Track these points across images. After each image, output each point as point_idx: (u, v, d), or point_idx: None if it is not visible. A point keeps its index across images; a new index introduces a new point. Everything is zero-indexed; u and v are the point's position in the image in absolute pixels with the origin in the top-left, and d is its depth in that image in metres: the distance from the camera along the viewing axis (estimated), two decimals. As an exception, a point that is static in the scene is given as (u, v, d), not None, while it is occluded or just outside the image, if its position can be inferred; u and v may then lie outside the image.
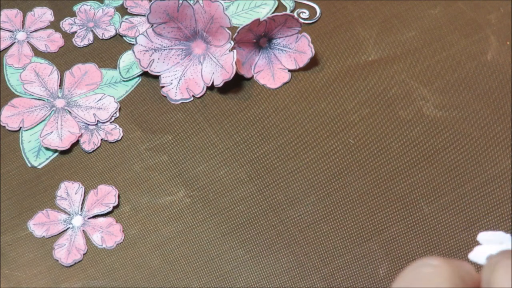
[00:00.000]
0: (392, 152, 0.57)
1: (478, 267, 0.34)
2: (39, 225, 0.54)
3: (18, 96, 0.61)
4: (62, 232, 0.54)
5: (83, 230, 0.53)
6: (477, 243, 0.52)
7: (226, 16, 0.58)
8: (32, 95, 0.60)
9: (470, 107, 0.59)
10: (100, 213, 0.54)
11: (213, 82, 0.60)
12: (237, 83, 0.61)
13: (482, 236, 0.36)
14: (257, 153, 0.57)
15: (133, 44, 0.62)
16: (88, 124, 0.59)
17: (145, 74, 0.62)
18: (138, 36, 0.61)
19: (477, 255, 0.35)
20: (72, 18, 0.66)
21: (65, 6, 0.67)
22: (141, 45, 0.61)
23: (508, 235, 0.35)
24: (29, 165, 0.57)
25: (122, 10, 0.66)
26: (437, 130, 0.58)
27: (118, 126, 0.59)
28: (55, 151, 0.58)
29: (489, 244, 0.35)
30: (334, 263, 0.52)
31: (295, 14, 0.65)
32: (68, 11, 0.66)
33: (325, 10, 0.66)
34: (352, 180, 0.56)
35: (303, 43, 0.62)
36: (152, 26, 0.61)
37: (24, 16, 0.66)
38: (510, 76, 0.61)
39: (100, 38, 0.65)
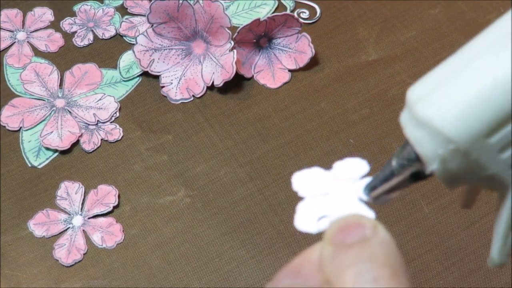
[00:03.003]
0: (392, 152, 0.57)
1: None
2: (39, 225, 0.54)
3: (18, 96, 0.61)
4: (62, 232, 0.54)
5: (83, 230, 0.53)
6: (476, 242, 0.52)
7: (226, 16, 0.58)
8: (32, 95, 0.60)
9: (470, 107, 0.59)
10: (100, 213, 0.54)
11: (213, 82, 0.60)
12: (237, 83, 0.61)
13: (298, 181, 0.29)
14: (257, 153, 0.57)
15: (133, 44, 0.62)
16: (88, 124, 0.59)
17: (145, 74, 0.62)
18: (138, 36, 0.61)
19: (304, 218, 0.29)
20: (72, 18, 0.66)
21: (65, 6, 0.67)
22: (141, 45, 0.61)
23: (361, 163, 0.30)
24: (29, 165, 0.57)
25: (122, 10, 0.66)
26: (437, 130, 0.58)
27: (118, 126, 0.59)
28: (55, 151, 0.58)
29: (310, 193, 0.29)
30: (334, 263, 0.52)
31: (295, 14, 0.65)
32: (68, 11, 0.66)
33: (325, 10, 0.66)
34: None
35: (303, 43, 0.62)
36: (152, 26, 0.61)
37: (24, 16, 0.66)
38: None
39: (100, 38, 0.65)
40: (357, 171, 0.30)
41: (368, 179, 0.30)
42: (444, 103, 0.25)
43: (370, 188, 0.30)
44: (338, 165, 0.31)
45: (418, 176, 0.28)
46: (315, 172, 0.31)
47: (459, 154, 0.25)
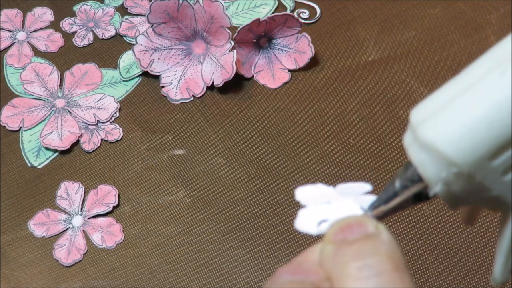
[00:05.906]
0: (392, 152, 0.57)
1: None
2: (39, 225, 0.54)
3: (18, 96, 0.61)
4: (62, 232, 0.54)
5: (83, 230, 0.53)
6: (476, 242, 0.52)
7: (226, 16, 0.58)
8: (32, 95, 0.60)
9: (470, 107, 0.59)
10: (100, 213, 0.54)
11: (213, 82, 0.60)
12: (237, 83, 0.61)
13: (301, 193, 0.30)
14: (257, 153, 0.57)
15: (133, 44, 0.62)
16: (88, 124, 0.59)
17: (145, 74, 0.62)
18: (138, 36, 0.61)
19: (304, 221, 0.29)
20: (72, 18, 0.66)
21: (65, 6, 0.67)
22: (141, 45, 0.61)
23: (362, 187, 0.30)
24: (29, 165, 0.57)
25: (122, 10, 0.66)
26: (437, 130, 0.58)
27: (118, 126, 0.59)
28: (55, 151, 0.58)
29: (312, 202, 0.30)
30: (334, 263, 0.52)
31: (295, 14, 0.65)
32: (68, 11, 0.66)
33: (325, 10, 0.66)
34: (352, 180, 0.56)
35: (303, 43, 0.62)
36: (152, 26, 0.61)
37: (24, 16, 0.66)
38: (510, 76, 0.61)
39: (100, 38, 0.65)
40: (360, 189, 0.30)
41: (371, 196, 0.30)
42: (447, 125, 0.24)
43: (373, 208, 0.30)
44: (341, 186, 0.31)
45: (421, 197, 0.28)
46: (318, 187, 0.31)
47: (463, 177, 0.25)
